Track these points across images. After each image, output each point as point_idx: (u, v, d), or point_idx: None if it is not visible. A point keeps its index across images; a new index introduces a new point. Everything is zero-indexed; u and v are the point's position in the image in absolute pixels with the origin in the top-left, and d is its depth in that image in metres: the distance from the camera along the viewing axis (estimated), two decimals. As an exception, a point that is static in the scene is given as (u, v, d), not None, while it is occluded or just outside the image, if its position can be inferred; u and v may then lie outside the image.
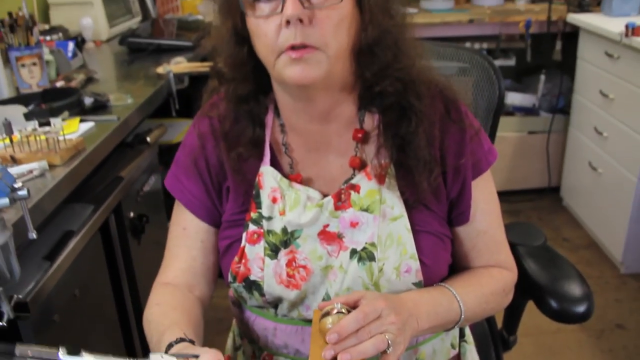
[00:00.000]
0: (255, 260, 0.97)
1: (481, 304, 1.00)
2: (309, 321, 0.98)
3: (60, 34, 2.39)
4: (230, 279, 1.00)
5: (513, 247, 1.15)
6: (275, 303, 0.99)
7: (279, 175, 0.98)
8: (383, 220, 0.95)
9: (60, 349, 0.74)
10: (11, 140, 1.30)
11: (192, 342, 0.83)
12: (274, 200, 0.98)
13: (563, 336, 2.37)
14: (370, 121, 0.99)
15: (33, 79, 1.81)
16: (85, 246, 1.35)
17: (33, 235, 0.94)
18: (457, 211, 1.01)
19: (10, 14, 1.77)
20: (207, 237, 1.04)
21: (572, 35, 3.08)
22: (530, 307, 1.19)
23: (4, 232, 0.89)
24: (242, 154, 0.99)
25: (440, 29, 3.12)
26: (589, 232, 3.04)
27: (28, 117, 1.51)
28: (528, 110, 3.36)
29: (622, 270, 2.72)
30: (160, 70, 2.04)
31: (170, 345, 0.82)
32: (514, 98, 3.35)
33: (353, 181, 0.97)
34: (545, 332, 2.36)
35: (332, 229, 0.96)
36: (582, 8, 3.06)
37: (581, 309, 1.09)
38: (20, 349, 0.74)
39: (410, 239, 0.94)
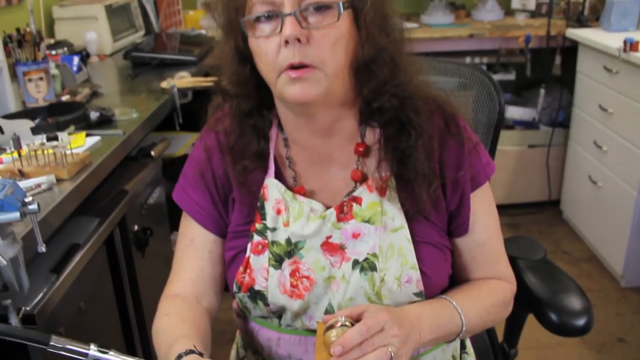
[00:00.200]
0: (260, 270, 0.99)
1: (482, 315, 1.02)
2: (312, 331, 0.99)
3: (65, 49, 2.42)
4: (235, 289, 1.02)
5: (513, 261, 1.17)
6: (279, 313, 1.01)
7: (283, 188, 1.01)
8: (384, 231, 0.97)
9: (91, 345, 0.79)
10: (19, 154, 1.32)
11: (200, 354, 0.85)
12: (278, 212, 1.00)
13: (564, 350, 2.37)
14: (372, 135, 1.01)
15: (39, 93, 1.83)
16: (90, 259, 1.37)
17: (42, 248, 0.95)
18: (456, 223, 1.03)
19: (18, 30, 1.80)
20: (214, 247, 1.06)
21: (571, 49, 3.11)
22: (531, 320, 1.20)
23: (14, 246, 0.91)
24: (247, 166, 1.01)
25: (441, 43, 3.14)
26: (589, 245, 3.05)
27: (35, 131, 1.53)
28: (528, 124, 3.39)
29: (623, 283, 2.73)
30: (165, 84, 2.07)
31: (179, 357, 0.84)
32: (514, 112, 3.37)
33: (355, 193, 0.99)
34: (546, 345, 2.36)
35: (335, 240, 0.99)
36: (581, 23, 3.10)
37: (581, 322, 1.10)
38: (55, 340, 0.79)
39: (411, 250, 0.97)
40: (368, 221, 0.98)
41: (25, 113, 1.75)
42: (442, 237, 1.02)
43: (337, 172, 1.02)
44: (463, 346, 1.13)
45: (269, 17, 0.89)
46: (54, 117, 1.71)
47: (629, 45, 2.46)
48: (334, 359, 0.83)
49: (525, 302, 1.18)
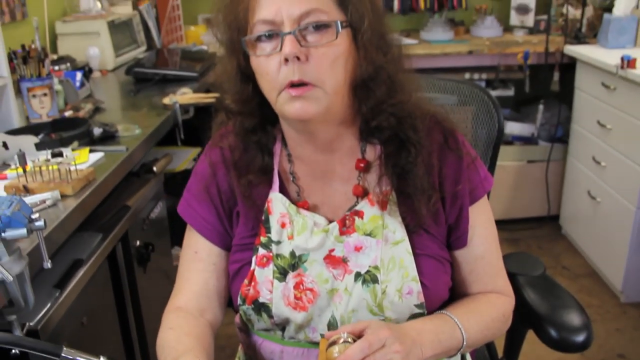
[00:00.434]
0: (265, 282, 1.01)
1: (482, 330, 1.03)
2: (315, 343, 1.01)
3: (68, 64, 2.44)
4: (239, 301, 1.03)
5: (513, 277, 1.18)
6: (283, 325, 1.02)
7: (287, 202, 1.03)
8: (385, 244, 0.99)
9: (101, 357, 0.81)
10: (24, 170, 1.33)
11: None
12: (283, 225, 1.02)
13: (564, 365, 2.37)
14: (372, 152, 1.04)
15: (43, 109, 1.85)
16: (93, 275, 1.38)
17: (48, 264, 0.96)
18: (455, 235, 1.05)
19: (23, 46, 1.82)
20: (219, 260, 1.08)
21: (569, 66, 3.14)
22: (531, 336, 1.21)
23: (20, 262, 0.92)
24: (252, 180, 1.03)
25: (440, 59, 3.17)
26: (588, 260, 3.06)
27: (39, 147, 1.55)
28: (527, 139, 3.40)
29: (623, 299, 2.73)
30: (167, 100, 2.09)
31: None
32: (513, 128, 3.39)
33: (357, 207, 1.02)
34: (546, 360, 2.36)
35: (338, 254, 1.00)
36: (579, 40, 3.12)
37: (580, 338, 1.11)
38: (66, 351, 0.80)
39: (412, 262, 0.99)
40: (370, 234, 1.00)
41: (29, 129, 1.76)
42: (442, 249, 1.04)
43: (339, 187, 1.04)
44: (463, 361, 1.14)
45: (270, 36, 0.92)
46: (57, 133, 1.73)
47: (627, 63, 2.48)
48: (336, 375, 0.84)
49: (525, 318, 1.19)
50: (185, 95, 2.14)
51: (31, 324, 1.11)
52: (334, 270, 1.00)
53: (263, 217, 1.03)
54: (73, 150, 1.58)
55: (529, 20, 3.43)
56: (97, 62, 2.69)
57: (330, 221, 1.02)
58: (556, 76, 3.23)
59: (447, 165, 1.02)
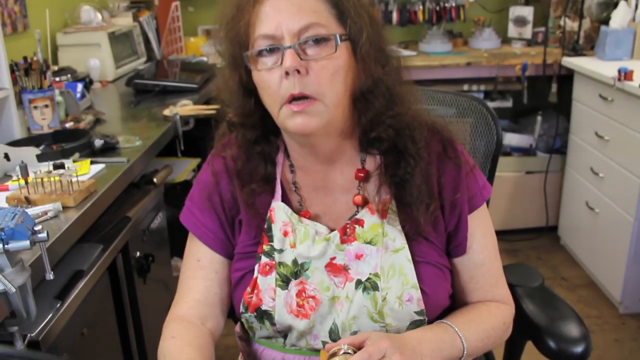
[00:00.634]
0: (267, 290, 1.02)
1: (483, 339, 1.04)
2: (316, 351, 1.02)
3: (69, 75, 2.45)
4: (241, 309, 1.04)
5: (511, 288, 1.18)
6: (285, 332, 1.03)
7: (289, 210, 1.04)
8: (385, 252, 1.01)
9: None
10: (26, 182, 1.34)
11: None
12: (285, 234, 1.03)
13: (563, 376, 2.37)
14: (372, 162, 1.05)
15: (44, 120, 1.86)
16: (94, 286, 1.38)
17: (50, 276, 0.97)
18: (454, 243, 1.07)
19: (25, 58, 1.83)
20: (221, 268, 1.09)
21: (567, 77, 3.16)
22: (530, 348, 1.21)
23: (23, 273, 0.93)
24: (255, 189, 1.05)
25: (439, 71, 3.19)
26: (587, 271, 3.06)
27: (40, 158, 1.56)
28: (525, 150, 3.42)
29: (621, 310, 2.74)
30: (167, 112, 2.10)
31: None
32: (511, 139, 3.41)
33: (357, 216, 1.03)
34: (545, 372, 2.36)
35: (339, 262, 1.02)
36: (576, 52, 3.15)
37: (579, 349, 1.11)
38: None
39: (412, 270, 1.00)
40: (370, 242, 1.01)
41: (30, 140, 1.77)
42: (442, 257, 1.05)
43: (340, 197, 1.06)
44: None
45: (271, 50, 0.93)
46: (58, 144, 1.74)
47: (623, 75, 2.50)
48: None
49: (524, 329, 1.19)
50: (185, 107, 2.16)
51: (32, 335, 1.12)
52: (335, 278, 1.01)
53: (265, 226, 1.05)
54: (74, 161, 1.59)
55: (527, 32, 3.46)
56: (97, 73, 2.70)
57: (332, 230, 1.03)
58: (554, 88, 3.25)
59: (445, 174, 1.04)
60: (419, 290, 0.99)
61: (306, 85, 0.92)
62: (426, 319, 1.01)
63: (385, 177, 1.02)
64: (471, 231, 1.06)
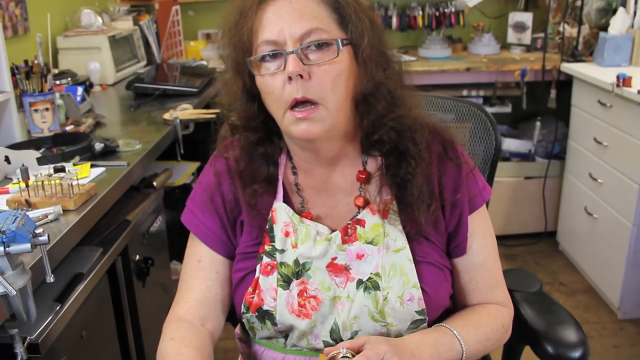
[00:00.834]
0: (269, 290, 1.02)
1: (482, 341, 1.05)
2: (317, 350, 1.02)
3: (69, 79, 2.46)
4: (243, 309, 1.04)
5: (510, 293, 1.19)
6: (286, 332, 1.03)
7: (291, 211, 1.05)
8: (387, 252, 1.01)
9: None
10: (27, 185, 1.34)
11: None
12: (287, 234, 1.04)
13: (561, 381, 2.37)
14: (373, 163, 1.07)
15: (45, 123, 1.86)
16: (93, 289, 1.39)
17: (51, 279, 0.98)
18: (454, 243, 1.08)
19: (26, 62, 1.84)
20: (222, 268, 1.09)
21: (566, 83, 3.17)
22: (528, 352, 1.22)
23: (23, 276, 0.93)
24: (257, 190, 1.06)
25: (438, 76, 3.20)
26: (585, 277, 3.07)
27: (41, 161, 1.56)
28: (524, 156, 3.43)
29: (620, 315, 2.74)
30: (167, 116, 2.10)
31: None
32: (510, 144, 3.42)
33: (359, 216, 1.04)
34: (544, 377, 2.36)
35: (340, 262, 1.03)
36: (575, 58, 3.16)
37: (577, 354, 1.12)
38: None
39: (412, 269, 1.01)
40: (371, 242, 1.02)
41: (31, 143, 1.78)
42: (442, 257, 1.06)
43: (341, 199, 1.07)
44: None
45: (274, 56, 0.95)
46: (59, 148, 1.75)
47: (622, 81, 2.51)
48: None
49: (522, 334, 1.19)
50: (185, 111, 2.16)
51: (32, 337, 1.12)
52: (336, 278, 1.02)
53: (267, 226, 1.05)
54: (74, 165, 1.59)
55: (526, 38, 3.47)
56: (97, 76, 2.71)
57: (333, 230, 1.04)
58: (553, 93, 3.26)
59: (446, 174, 1.05)
60: (420, 290, 1.00)
61: (309, 89, 0.93)
62: (427, 318, 1.02)
63: (387, 178, 1.03)
64: (471, 232, 1.07)
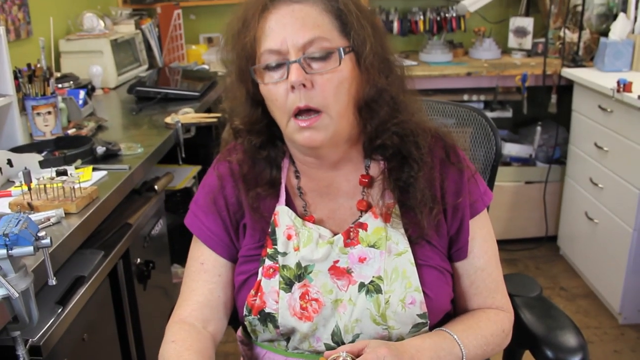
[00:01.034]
0: (271, 293, 1.03)
1: (482, 345, 1.05)
2: (318, 353, 1.03)
3: (71, 82, 2.47)
4: (245, 312, 1.05)
5: (510, 298, 1.19)
6: (288, 335, 1.04)
7: (293, 214, 1.06)
8: (389, 255, 1.02)
9: None
10: (29, 188, 1.35)
11: None
12: (289, 237, 1.05)
13: (561, 386, 2.37)
14: (376, 168, 1.07)
15: (47, 126, 1.87)
16: (94, 292, 1.39)
17: (53, 282, 0.98)
18: (456, 247, 1.08)
19: (29, 65, 1.85)
20: (224, 271, 1.10)
21: (566, 88, 3.17)
22: (528, 357, 1.22)
23: (26, 279, 0.94)
24: (260, 193, 1.07)
25: (439, 81, 3.21)
26: (586, 281, 3.07)
27: (43, 165, 1.57)
28: (525, 160, 3.43)
29: (621, 320, 2.74)
30: (169, 119, 2.11)
31: None
32: (511, 149, 3.42)
33: (361, 220, 1.05)
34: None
35: (342, 265, 1.03)
36: (575, 63, 3.16)
37: (576, 359, 1.12)
38: None
39: (414, 273, 1.01)
40: (373, 246, 1.03)
41: (33, 146, 1.78)
42: (444, 260, 1.07)
43: (344, 203, 1.08)
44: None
45: (277, 64, 0.95)
46: (61, 151, 1.75)
47: (622, 86, 2.51)
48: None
49: (522, 339, 1.20)
50: (187, 115, 2.17)
51: (34, 340, 1.12)
52: (338, 281, 1.03)
53: (270, 229, 1.06)
54: (76, 168, 1.60)
55: (527, 43, 3.48)
56: (99, 80, 2.72)
57: (335, 234, 1.05)
58: (554, 98, 3.27)
59: (448, 179, 1.06)
60: (422, 294, 1.01)
61: (312, 98, 0.94)
62: (428, 322, 1.02)
63: (389, 182, 1.04)
64: (472, 235, 1.08)
